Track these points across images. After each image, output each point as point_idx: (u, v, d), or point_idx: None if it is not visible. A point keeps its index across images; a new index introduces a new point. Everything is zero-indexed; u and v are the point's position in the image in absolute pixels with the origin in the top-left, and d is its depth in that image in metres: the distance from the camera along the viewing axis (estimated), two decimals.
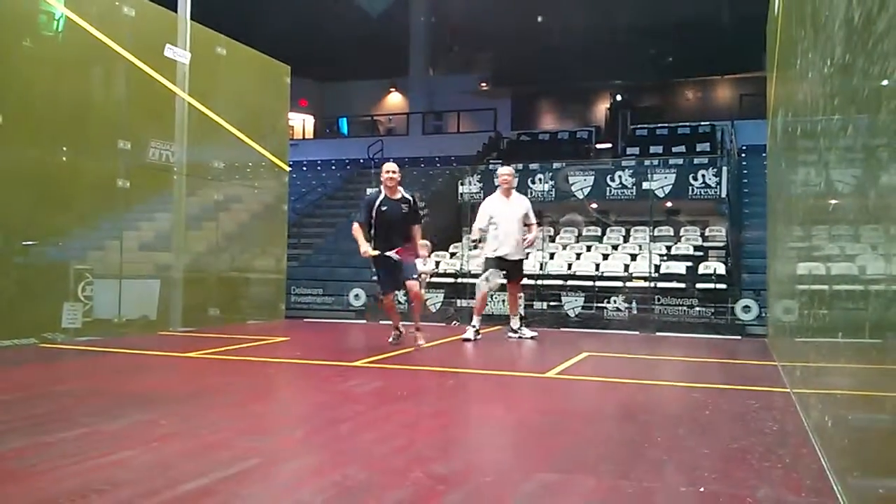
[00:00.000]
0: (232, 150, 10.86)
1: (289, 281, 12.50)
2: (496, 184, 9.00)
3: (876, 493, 2.39)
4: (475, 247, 9.08)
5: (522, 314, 9.23)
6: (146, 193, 9.63)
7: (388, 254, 7.45)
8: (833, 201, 3.55)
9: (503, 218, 8.63)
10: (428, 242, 14.11)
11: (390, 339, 7.94)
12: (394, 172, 7.63)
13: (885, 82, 2.16)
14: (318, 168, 22.93)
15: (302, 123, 26.79)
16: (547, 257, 13.73)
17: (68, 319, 8.17)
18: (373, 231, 7.58)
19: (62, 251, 8.37)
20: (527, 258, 9.36)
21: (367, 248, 7.42)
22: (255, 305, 11.32)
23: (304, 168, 21.95)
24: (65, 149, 8.33)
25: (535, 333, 8.99)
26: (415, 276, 7.76)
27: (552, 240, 14.84)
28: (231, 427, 4.03)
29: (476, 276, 13.08)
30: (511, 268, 8.73)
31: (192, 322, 9.82)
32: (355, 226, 7.55)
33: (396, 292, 8.25)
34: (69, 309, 8.22)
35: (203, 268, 10.43)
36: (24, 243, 7.79)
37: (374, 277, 8.39)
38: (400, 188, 7.71)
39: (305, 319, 12.35)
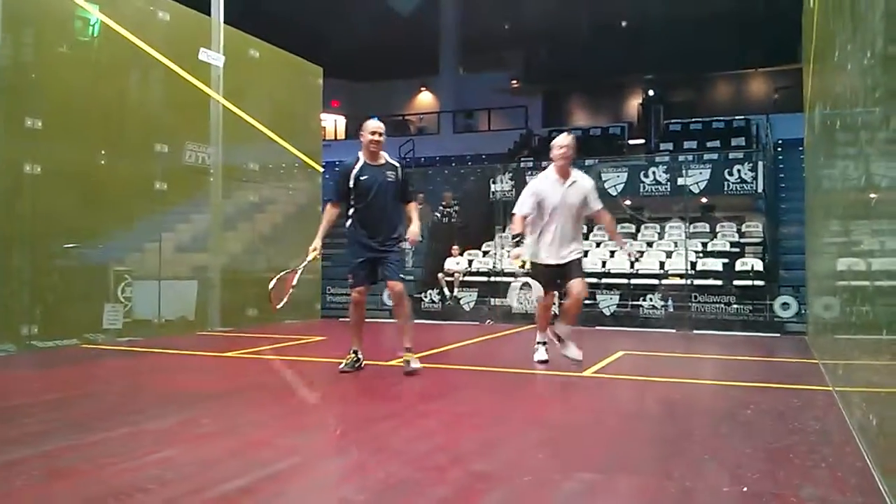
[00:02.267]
0: (266, 152, 11.00)
1: (324, 281, 12.60)
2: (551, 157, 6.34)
3: None
4: (518, 243, 6.25)
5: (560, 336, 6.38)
6: (183, 195, 9.78)
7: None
8: (873, 195, 3.49)
9: (555, 207, 6.17)
10: (456, 246, 14.15)
11: (341, 366, 5.99)
12: (381, 133, 5.87)
13: None
14: None
15: (334, 124, 26.93)
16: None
17: (109, 320, 8.32)
18: (352, 210, 5.90)
19: (102, 253, 8.52)
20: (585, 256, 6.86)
21: (315, 245, 5.97)
22: (292, 305, 11.39)
23: (337, 169, 22.06)
24: (103, 152, 8.49)
25: (579, 357, 6.22)
26: (400, 276, 5.94)
27: (585, 237, 14.77)
28: (272, 425, 4.08)
29: (513, 276, 12.91)
30: (563, 273, 6.24)
31: (230, 322, 9.95)
32: (326, 207, 6.07)
33: (371, 289, 6.15)
34: (110, 310, 8.37)
35: (240, 268, 10.55)
36: (65, 246, 7.94)
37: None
38: (384, 153, 5.97)
39: (341, 319, 12.42)
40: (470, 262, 14.42)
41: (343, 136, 26.96)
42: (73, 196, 7.98)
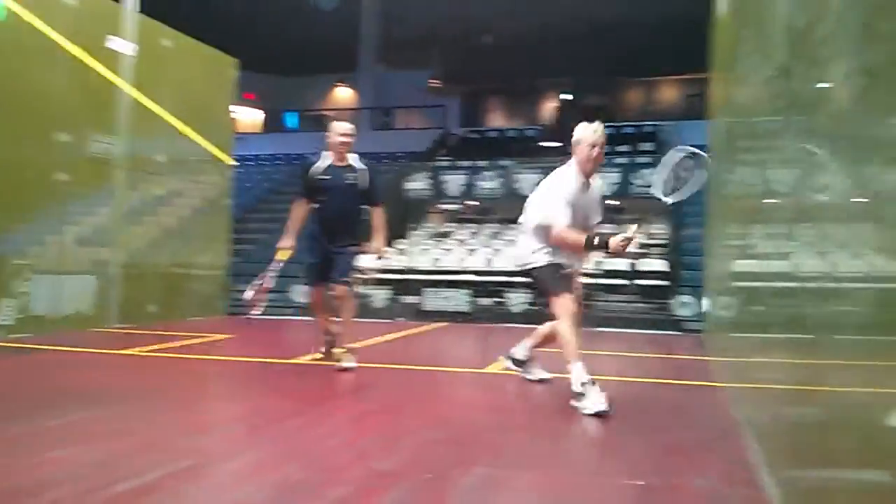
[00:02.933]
0: (175, 144, 10.67)
1: (231, 277, 12.30)
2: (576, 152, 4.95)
3: (806, 484, 2.47)
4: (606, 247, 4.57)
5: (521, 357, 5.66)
6: (86, 187, 9.38)
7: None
8: (769, 200, 3.64)
9: (582, 210, 4.93)
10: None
11: (323, 349, 6.25)
12: (351, 135, 5.86)
13: (824, 85, 2.23)
14: (264, 163, 22.64)
15: (249, 117, 26.40)
16: (492, 253, 13.82)
17: (2, 316, 7.93)
18: (314, 208, 5.94)
19: None
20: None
21: (285, 244, 5.94)
22: (196, 302, 11.12)
23: (250, 162, 21.64)
24: (1, 141, 8.07)
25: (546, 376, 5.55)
26: (345, 279, 5.90)
27: (495, 237, 14.96)
28: (170, 425, 3.96)
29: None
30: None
31: (130, 318, 9.60)
32: (295, 204, 6.00)
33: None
34: (4, 305, 7.97)
35: (142, 263, 10.21)
36: None
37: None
38: (350, 155, 5.90)
39: (246, 317, 12.18)
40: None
41: (261, 130, 26.49)
42: None
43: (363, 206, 5.98)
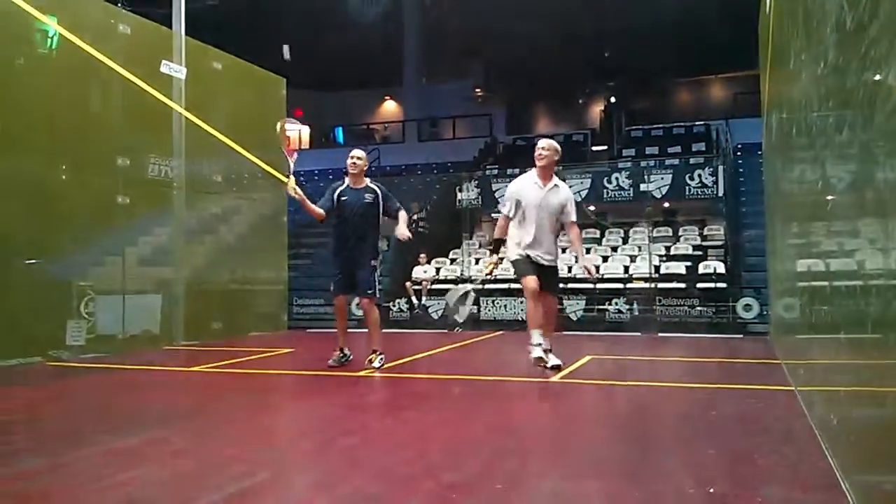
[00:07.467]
0: (230, 163, 10.91)
1: (290, 291, 12.52)
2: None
3: (883, 489, 2.42)
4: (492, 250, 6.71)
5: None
6: (146, 208, 9.68)
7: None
8: (830, 198, 3.58)
9: (533, 205, 6.36)
10: (423, 254, 14.21)
11: (330, 362, 6.72)
12: (357, 158, 6.75)
13: (877, 77, 2.20)
14: (316, 177, 22.95)
15: (298, 133, 26.80)
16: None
17: (72, 337, 8.20)
18: (333, 226, 6.72)
19: (64, 269, 8.39)
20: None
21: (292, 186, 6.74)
22: (258, 317, 11.35)
23: (302, 178, 21.96)
24: (64, 167, 8.37)
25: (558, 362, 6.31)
26: (370, 291, 6.60)
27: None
28: (241, 441, 4.05)
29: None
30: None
31: (194, 335, 9.85)
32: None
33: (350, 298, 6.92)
34: (73, 326, 8.25)
35: (204, 281, 10.47)
36: (26, 262, 7.80)
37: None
38: (367, 179, 6.75)
39: (308, 330, 12.38)
40: (437, 269, 14.45)
41: (307, 146, 26.86)
42: (34, 211, 7.86)
43: (378, 224, 6.69)
